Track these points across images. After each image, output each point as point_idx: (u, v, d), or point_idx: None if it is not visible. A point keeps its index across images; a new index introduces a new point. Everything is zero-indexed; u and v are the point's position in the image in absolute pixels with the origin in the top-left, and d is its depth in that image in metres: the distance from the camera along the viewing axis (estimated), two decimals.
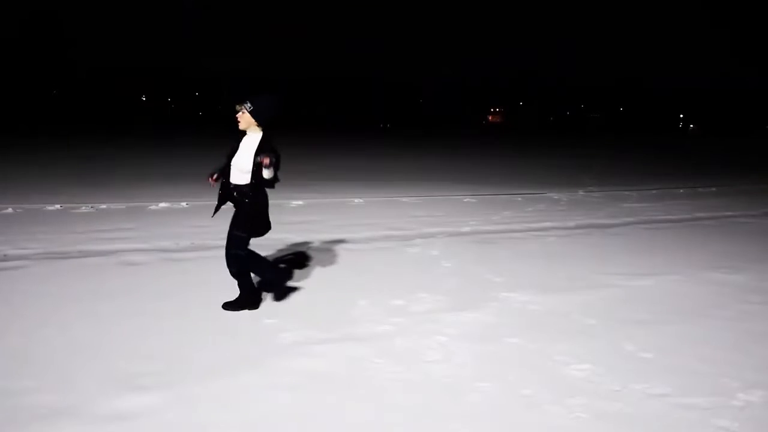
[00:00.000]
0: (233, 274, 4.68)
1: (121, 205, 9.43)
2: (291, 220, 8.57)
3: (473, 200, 11.46)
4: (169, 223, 8.18)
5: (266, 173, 4.36)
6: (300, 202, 10.40)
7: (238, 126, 4.53)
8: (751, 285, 5.94)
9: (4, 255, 6.23)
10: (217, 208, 4.68)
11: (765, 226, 9.51)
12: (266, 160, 4.24)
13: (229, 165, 4.50)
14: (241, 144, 4.52)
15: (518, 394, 3.45)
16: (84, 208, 9.17)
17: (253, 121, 4.48)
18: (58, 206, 9.24)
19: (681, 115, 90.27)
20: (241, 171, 4.43)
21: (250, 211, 4.46)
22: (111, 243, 6.89)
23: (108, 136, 29.19)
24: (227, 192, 4.55)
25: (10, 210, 8.74)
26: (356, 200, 10.96)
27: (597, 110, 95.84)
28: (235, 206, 4.58)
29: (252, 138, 4.50)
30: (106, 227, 7.80)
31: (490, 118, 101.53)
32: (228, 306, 4.71)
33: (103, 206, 9.39)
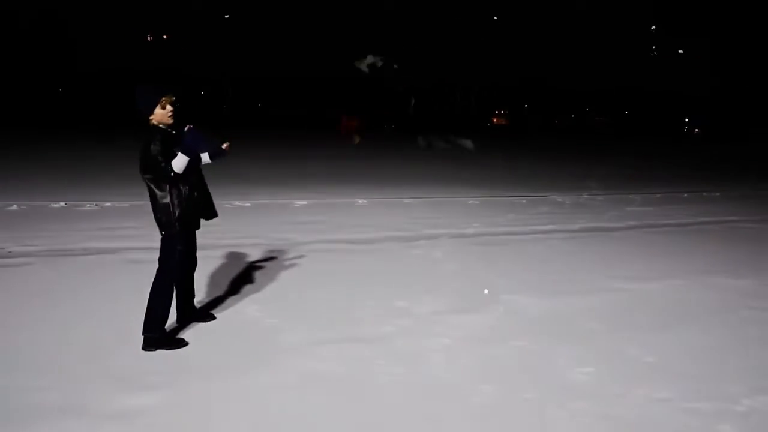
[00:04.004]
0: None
1: (126, 203, 9.45)
2: (294, 220, 8.57)
3: (477, 202, 11.45)
4: None
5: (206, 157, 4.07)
6: (304, 202, 10.41)
7: (172, 124, 3.99)
8: (756, 290, 5.91)
9: (9, 252, 6.26)
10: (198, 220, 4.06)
11: None
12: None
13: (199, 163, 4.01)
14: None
15: (521, 398, 3.44)
16: (89, 206, 9.20)
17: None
18: (62, 204, 9.28)
19: (686, 119, 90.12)
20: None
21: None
22: (115, 241, 6.91)
23: (112, 134, 29.23)
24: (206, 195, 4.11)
25: (15, 207, 8.78)
26: (360, 201, 10.96)
27: (602, 114, 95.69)
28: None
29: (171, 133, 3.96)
30: (111, 225, 7.83)
31: (494, 119, 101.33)
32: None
33: (108, 204, 9.42)
